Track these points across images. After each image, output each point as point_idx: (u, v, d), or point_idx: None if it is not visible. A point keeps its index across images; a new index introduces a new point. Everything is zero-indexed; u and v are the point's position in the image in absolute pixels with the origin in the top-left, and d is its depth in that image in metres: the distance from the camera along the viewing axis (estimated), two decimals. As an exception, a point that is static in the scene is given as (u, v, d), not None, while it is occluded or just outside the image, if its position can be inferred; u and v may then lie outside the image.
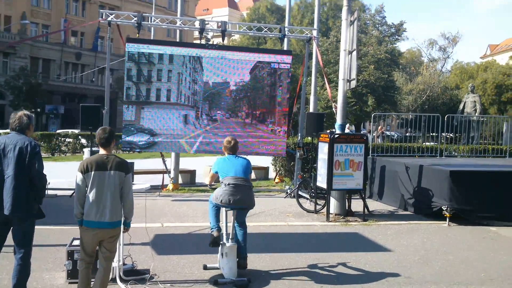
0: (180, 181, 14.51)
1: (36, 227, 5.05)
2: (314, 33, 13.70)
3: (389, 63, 33.20)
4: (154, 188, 13.33)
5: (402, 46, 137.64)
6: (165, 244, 8.06)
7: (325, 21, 40.09)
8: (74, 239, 6.36)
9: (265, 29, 13.59)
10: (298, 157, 13.21)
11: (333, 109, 10.99)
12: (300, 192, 11.63)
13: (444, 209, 10.01)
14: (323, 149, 10.41)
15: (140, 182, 7.55)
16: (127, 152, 19.74)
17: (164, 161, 13.27)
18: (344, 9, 10.67)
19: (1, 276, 6.14)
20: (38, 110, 47.32)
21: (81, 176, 4.97)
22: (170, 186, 13.47)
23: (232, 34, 54.05)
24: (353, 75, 10.26)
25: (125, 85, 11.98)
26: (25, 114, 4.93)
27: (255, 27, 13.58)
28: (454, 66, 55.68)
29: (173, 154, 13.69)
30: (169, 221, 9.81)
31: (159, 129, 12.21)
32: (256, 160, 18.04)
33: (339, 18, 34.09)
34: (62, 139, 25.69)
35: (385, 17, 40.22)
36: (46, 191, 11.63)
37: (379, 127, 23.72)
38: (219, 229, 6.34)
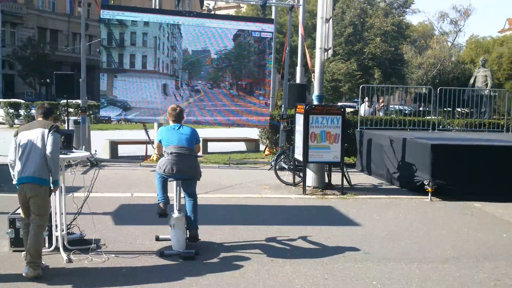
0: (165, 151, 14.34)
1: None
2: (300, 1, 13.16)
3: (396, 36, 32.32)
4: (136, 158, 13.29)
5: (414, 19, 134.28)
6: (127, 214, 7.93)
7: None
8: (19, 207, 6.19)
9: (245, -4, 13.02)
10: (282, 128, 12.90)
11: (312, 79, 10.60)
12: (283, 165, 11.34)
13: (426, 183, 9.68)
14: (299, 121, 10.08)
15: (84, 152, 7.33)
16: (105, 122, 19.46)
17: (146, 132, 13.04)
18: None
19: None
20: (48, 80, 47.55)
21: (14, 140, 5.14)
22: (154, 157, 13.28)
23: (241, 6, 53.15)
24: (330, 44, 9.84)
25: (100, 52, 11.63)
26: None
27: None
28: (469, 40, 54.33)
29: (156, 124, 13.44)
30: (140, 191, 9.63)
31: (134, 102, 11.66)
32: (247, 132, 17.83)
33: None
34: (63, 109, 25.87)
35: (393, -12, 39.01)
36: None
37: (381, 100, 23.15)
38: (166, 201, 6.12)
